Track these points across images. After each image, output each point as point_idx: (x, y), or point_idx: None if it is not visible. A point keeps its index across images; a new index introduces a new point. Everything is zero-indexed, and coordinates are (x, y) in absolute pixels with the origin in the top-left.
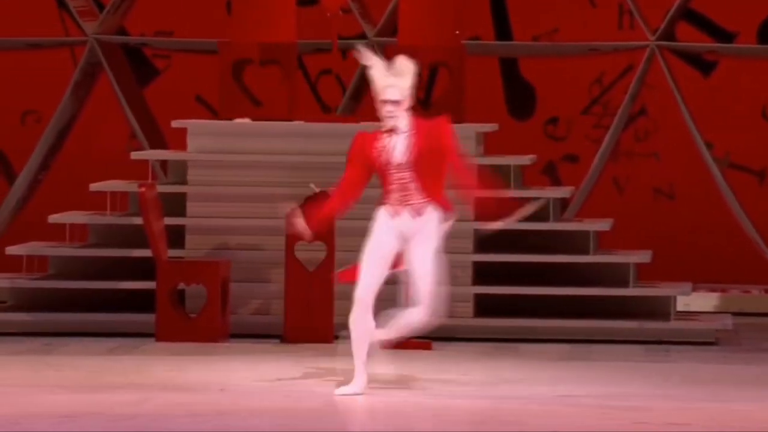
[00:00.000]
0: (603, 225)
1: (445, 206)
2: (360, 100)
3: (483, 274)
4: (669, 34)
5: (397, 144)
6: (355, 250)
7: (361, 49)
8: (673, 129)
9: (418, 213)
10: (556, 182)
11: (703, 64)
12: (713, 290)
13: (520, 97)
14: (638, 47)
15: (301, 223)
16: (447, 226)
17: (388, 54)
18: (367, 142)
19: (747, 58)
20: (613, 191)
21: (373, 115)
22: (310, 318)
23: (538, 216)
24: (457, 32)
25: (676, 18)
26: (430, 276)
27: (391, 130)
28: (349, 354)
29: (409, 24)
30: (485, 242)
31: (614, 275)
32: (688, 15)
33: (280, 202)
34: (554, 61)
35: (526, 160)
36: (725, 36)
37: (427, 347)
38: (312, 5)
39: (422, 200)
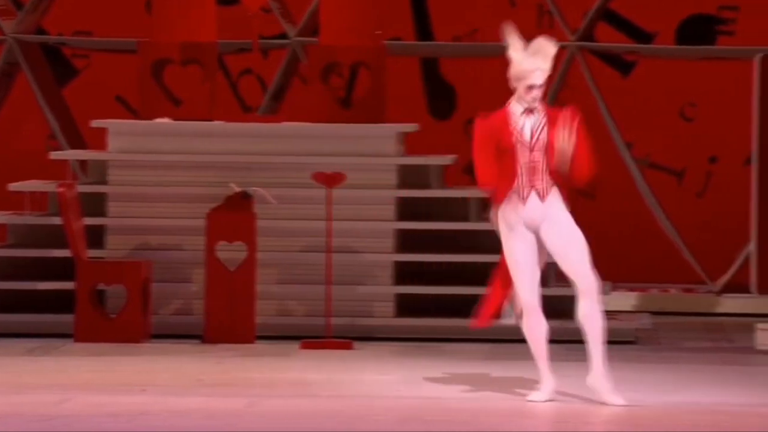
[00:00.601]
0: None
1: (564, 193)
2: (281, 99)
3: (404, 273)
4: (588, 35)
5: (530, 125)
6: (277, 251)
7: (507, 28)
8: (592, 129)
9: (543, 196)
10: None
11: (622, 65)
12: (633, 290)
13: (440, 97)
14: (559, 47)
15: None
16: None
17: (309, 55)
18: (496, 124)
19: (666, 59)
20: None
21: (293, 115)
22: (231, 318)
23: (459, 215)
24: (378, 32)
25: (595, 19)
26: (583, 251)
27: (526, 112)
28: (268, 354)
29: (330, 24)
30: (406, 242)
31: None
32: (608, 16)
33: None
34: (474, 61)
35: (447, 159)
36: (644, 36)
37: (348, 347)
38: (232, 5)
39: (549, 183)
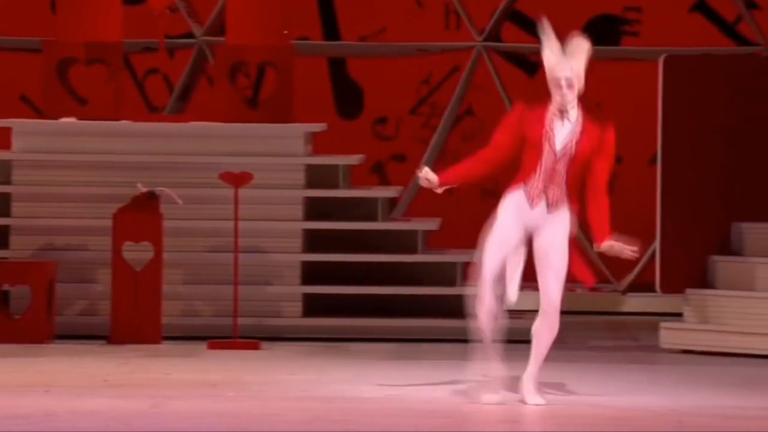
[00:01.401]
0: (431, 224)
1: (575, 210)
2: (187, 99)
3: (312, 273)
4: (495, 35)
5: (563, 131)
6: (184, 251)
7: (543, 23)
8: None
9: (552, 207)
10: (385, 182)
11: (528, 65)
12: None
13: (348, 97)
14: (465, 48)
15: (429, 172)
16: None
17: (216, 55)
18: (532, 116)
19: None
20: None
21: (200, 115)
22: (137, 318)
23: (367, 215)
24: (286, 32)
25: (501, 19)
26: (560, 276)
27: (560, 115)
28: (174, 354)
29: (236, 24)
30: (313, 242)
31: (442, 274)
32: (514, 16)
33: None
34: (382, 61)
35: (354, 159)
36: None
37: (255, 347)
38: (138, 4)
39: (562, 196)
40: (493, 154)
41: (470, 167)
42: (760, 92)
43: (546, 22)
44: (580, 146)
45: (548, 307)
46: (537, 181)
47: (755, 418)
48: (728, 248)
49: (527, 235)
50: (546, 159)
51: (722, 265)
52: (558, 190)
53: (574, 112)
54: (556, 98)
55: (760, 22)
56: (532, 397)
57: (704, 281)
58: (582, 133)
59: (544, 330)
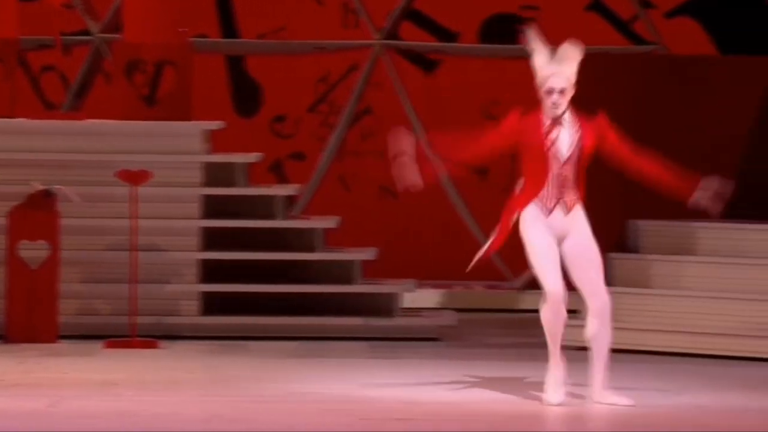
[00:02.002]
0: (329, 222)
1: (583, 200)
2: (84, 97)
3: (210, 271)
4: (393, 34)
5: (564, 137)
6: (81, 249)
7: (528, 31)
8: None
9: (569, 209)
10: (283, 180)
11: (426, 63)
12: (437, 287)
13: (246, 95)
14: (363, 46)
15: (413, 172)
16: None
17: (113, 52)
18: (528, 124)
19: (469, 57)
20: (339, 189)
21: (97, 113)
22: (33, 317)
23: (265, 213)
24: (183, 30)
25: (400, 18)
26: (600, 270)
27: (556, 121)
28: (71, 353)
29: (133, 21)
30: (212, 239)
31: (340, 272)
32: (412, 15)
33: None
34: (280, 59)
35: (252, 157)
36: (448, 35)
37: (153, 346)
38: (34, 1)
39: (575, 197)
40: (482, 148)
41: (462, 156)
42: (656, 91)
43: (533, 30)
44: (584, 146)
45: (601, 307)
46: (549, 190)
47: (651, 413)
48: (625, 246)
49: (557, 242)
50: (554, 167)
51: (619, 262)
52: (572, 193)
53: (567, 116)
54: (549, 106)
55: (655, 21)
56: (618, 398)
57: None
58: (581, 133)
59: (604, 330)
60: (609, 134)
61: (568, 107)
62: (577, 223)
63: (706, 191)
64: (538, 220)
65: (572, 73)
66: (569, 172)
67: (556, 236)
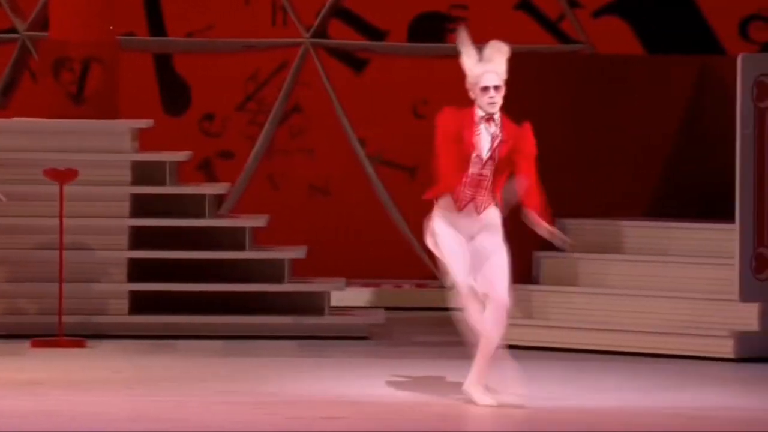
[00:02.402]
0: (258, 221)
1: (501, 208)
2: (10, 95)
3: (138, 270)
4: (322, 32)
5: (486, 138)
6: (7, 248)
7: (460, 31)
8: (327, 126)
9: (480, 211)
10: (212, 178)
11: (355, 62)
12: (367, 285)
13: (174, 93)
14: (292, 44)
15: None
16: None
17: (39, 50)
18: (465, 120)
19: (398, 56)
20: (268, 188)
21: (24, 111)
22: None
23: (194, 212)
24: (111, 27)
25: (328, 16)
26: (505, 270)
27: (489, 119)
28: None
29: (60, 18)
30: (140, 238)
31: (269, 271)
32: (341, 13)
33: None
34: (209, 57)
35: (181, 156)
36: (376, 34)
37: (81, 345)
38: None
39: (489, 199)
40: (451, 161)
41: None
42: (583, 90)
43: (463, 30)
44: (503, 148)
45: (501, 308)
46: (465, 188)
47: (577, 411)
48: (552, 244)
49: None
50: (473, 166)
51: (546, 260)
52: (485, 194)
53: (497, 117)
54: (483, 102)
55: (582, 21)
56: (481, 398)
57: (529, 277)
58: (503, 135)
59: (496, 331)
60: (525, 147)
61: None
62: (488, 225)
63: (551, 234)
64: (447, 217)
65: (503, 71)
66: (487, 174)
67: (464, 234)
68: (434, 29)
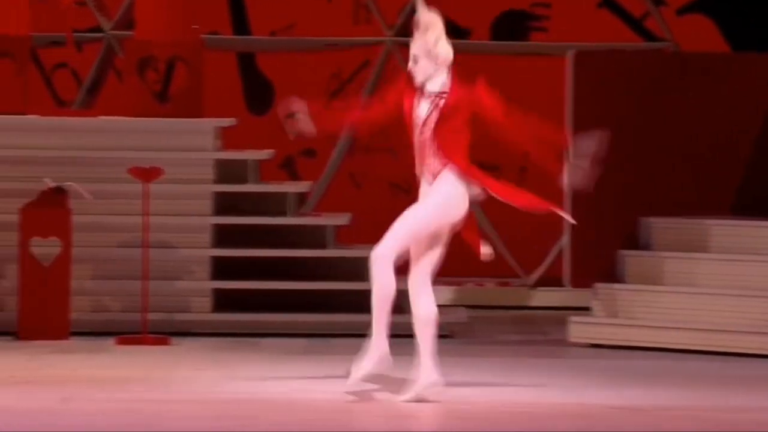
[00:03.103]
0: (341, 219)
1: (464, 171)
2: (96, 94)
3: (221, 268)
4: (405, 31)
5: (423, 104)
6: (92, 246)
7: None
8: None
9: (433, 177)
10: (294, 177)
11: None
12: (448, 284)
13: (257, 92)
14: (374, 43)
15: (305, 120)
16: (475, 194)
17: (124, 49)
18: (408, 94)
19: (481, 54)
20: (350, 186)
21: (109, 110)
22: (45, 314)
23: (276, 210)
24: (195, 27)
25: (411, 14)
26: (402, 224)
27: (421, 90)
28: (83, 350)
29: (145, 18)
30: (223, 236)
31: (351, 269)
32: None
33: None
34: (292, 56)
35: (264, 154)
36: (459, 32)
37: (164, 342)
38: None
39: (438, 164)
40: (372, 113)
41: (351, 117)
42: (666, 88)
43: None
44: (440, 111)
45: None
46: (416, 158)
47: (661, 409)
48: (636, 243)
49: None
50: (415, 136)
51: (630, 259)
52: (434, 161)
53: (435, 83)
54: (414, 75)
55: (667, 18)
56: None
57: (613, 275)
58: (445, 96)
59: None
60: (481, 98)
61: (438, 77)
62: (433, 189)
63: (578, 163)
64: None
65: (430, 40)
66: (425, 139)
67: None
68: (517, 27)
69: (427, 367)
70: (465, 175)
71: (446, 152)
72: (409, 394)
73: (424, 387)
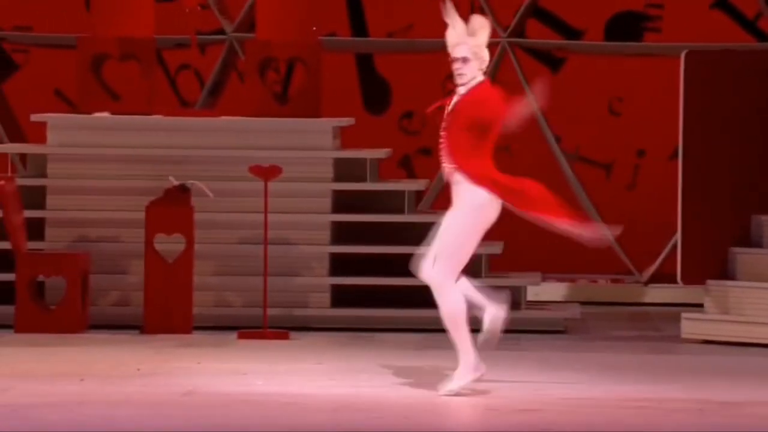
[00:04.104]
0: None
1: (472, 177)
2: (218, 94)
3: (339, 264)
4: (519, 31)
5: (452, 103)
6: (214, 243)
7: (448, 4)
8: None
9: (449, 174)
10: (411, 175)
11: (552, 61)
12: (562, 280)
13: (375, 92)
14: (490, 43)
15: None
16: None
17: (246, 51)
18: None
19: (594, 55)
20: None
21: (231, 110)
22: (169, 309)
23: (394, 208)
24: (314, 28)
25: (525, 15)
26: (446, 246)
27: (454, 91)
28: (206, 344)
29: (266, 20)
30: (342, 233)
31: (468, 266)
32: (538, 12)
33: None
34: (409, 56)
35: (381, 153)
36: (573, 33)
37: (284, 337)
38: (170, 1)
39: (450, 165)
40: None
41: None
42: None
43: (449, 3)
44: (457, 111)
45: (427, 279)
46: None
47: None
48: (748, 240)
49: None
50: (442, 135)
51: (742, 256)
52: (445, 159)
53: (468, 86)
54: (454, 75)
55: None
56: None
57: (725, 272)
58: (463, 99)
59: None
60: (487, 102)
61: (474, 79)
62: (457, 196)
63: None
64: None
65: (479, 44)
66: (445, 138)
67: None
68: (631, 28)
69: (461, 363)
70: (475, 181)
71: (455, 157)
72: (446, 388)
73: (458, 382)
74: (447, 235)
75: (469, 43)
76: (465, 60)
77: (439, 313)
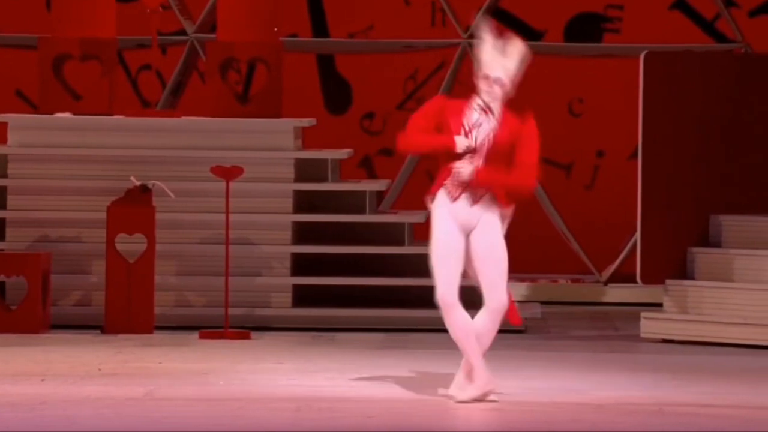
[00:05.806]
0: (418, 217)
1: (502, 201)
2: (179, 95)
3: (301, 264)
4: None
5: (483, 125)
6: (176, 243)
7: (481, 21)
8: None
9: (476, 200)
10: (372, 175)
11: None
12: (523, 280)
13: (336, 93)
14: (451, 45)
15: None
16: (505, 220)
17: (207, 51)
18: (454, 108)
19: (554, 56)
20: (427, 184)
21: (192, 110)
22: (130, 309)
23: (355, 208)
24: (275, 29)
25: (486, 16)
26: (503, 269)
27: (483, 109)
28: (167, 344)
29: (227, 21)
30: (303, 233)
31: (428, 266)
32: (498, 14)
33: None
34: (370, 57)
35: (342, 154)
36: (533, 34)
37: (246, 337)
38: (132, 1)
39: (482, 190)
40: (419, 141)
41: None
42: (738, 88)
43: (486, 20)
44: (497, 140)
45: (496, 306)
46: (456, 177)
47: (733, 405)
48: (707, 240)
49: (465, 235)
50: (465, 155)
51: (701, 256)
52: (479, 187)
53: (497, 107)
54: (482, 89)
55: (738, 20)
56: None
57: (684, 272)
58: (501, 124)
59: (492, 331)
60: (525, 134)
61: (500, 102)
62: (486, 217)
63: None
64: (443, 207)
65: (512, 68)
66: (479, 162)
67: (460, 225)
68: (591, 29)
69: (476, 370)
70: (503, 206)
71: (497, 191)
72: (464, 395)
73: (479, 389)
74: (498, 257)
75: (506, 66)
76: (498, 81)
77: (488, 342)
